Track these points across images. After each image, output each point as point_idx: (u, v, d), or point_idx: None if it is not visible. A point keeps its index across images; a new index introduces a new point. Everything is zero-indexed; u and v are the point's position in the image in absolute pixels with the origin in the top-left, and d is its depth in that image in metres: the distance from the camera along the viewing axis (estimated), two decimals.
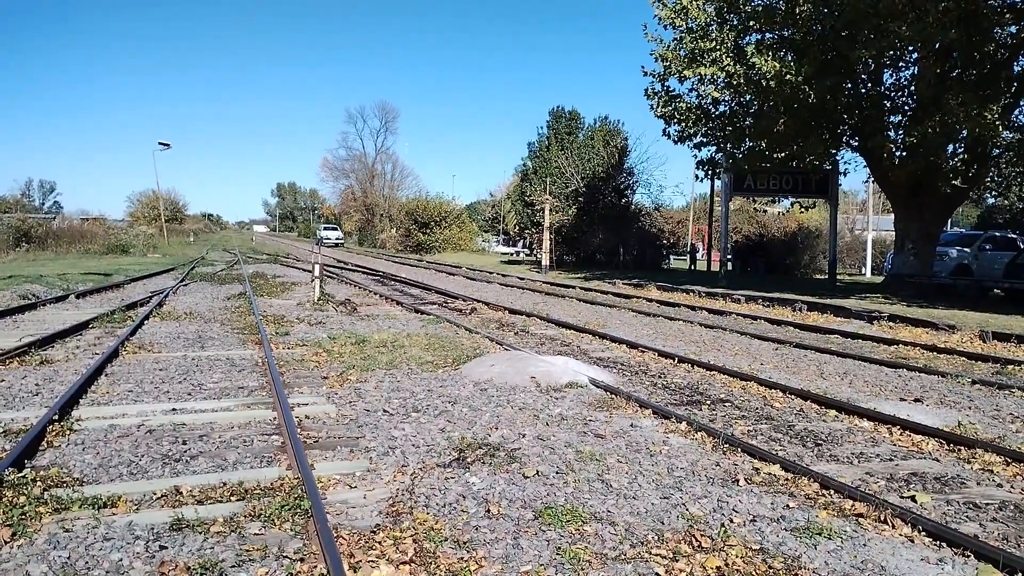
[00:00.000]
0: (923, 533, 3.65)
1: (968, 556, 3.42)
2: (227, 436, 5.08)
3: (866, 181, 31.62)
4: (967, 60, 17.10)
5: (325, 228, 76.21)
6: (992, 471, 4.79)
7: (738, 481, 4.40)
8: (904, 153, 18.54)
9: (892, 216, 22.60)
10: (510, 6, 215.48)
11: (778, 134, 18.78)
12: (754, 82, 17.62)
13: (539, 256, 31.25)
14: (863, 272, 35.27)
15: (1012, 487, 4.51)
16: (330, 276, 21.07)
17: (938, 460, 5.04)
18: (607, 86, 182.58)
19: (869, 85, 19.60)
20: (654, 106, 21.25)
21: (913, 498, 4.23)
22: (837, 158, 22.87)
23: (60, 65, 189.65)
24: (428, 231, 50.58)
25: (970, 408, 6.70)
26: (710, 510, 3.95)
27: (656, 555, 3.35)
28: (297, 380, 7.00)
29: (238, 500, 3.83)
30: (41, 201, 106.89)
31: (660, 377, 7.78)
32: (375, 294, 16.80)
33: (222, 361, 7.92)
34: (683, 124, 21.29)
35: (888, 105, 19.49)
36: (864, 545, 3.54)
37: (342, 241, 69.93)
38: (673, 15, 19.46)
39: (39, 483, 3.94)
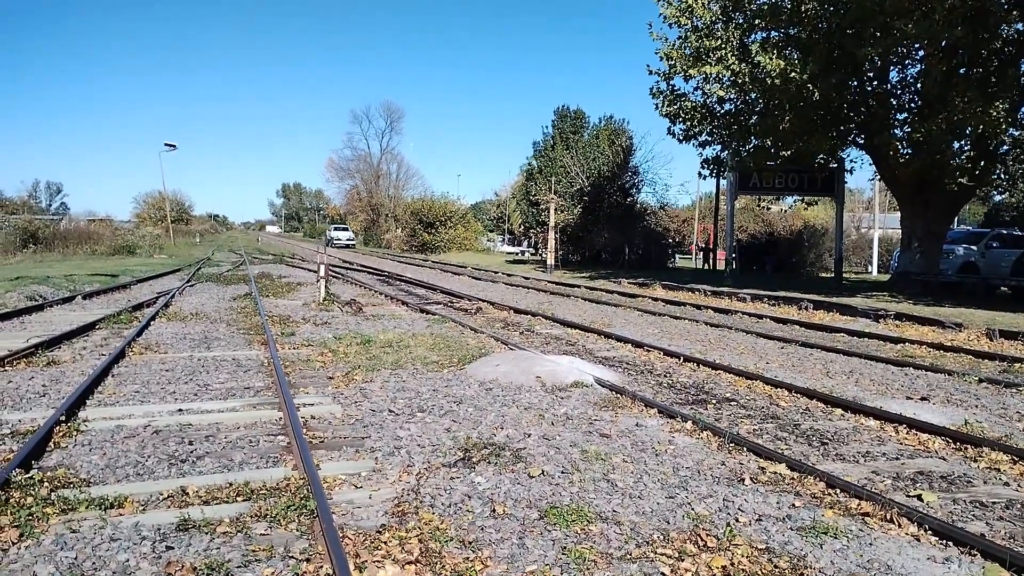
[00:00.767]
0: (929, 532, 3.64)
1: (975, 555, 3.41)
2: (233, 436, 5.09)
3: (872, 179, 31.45)
4: (973, 57, 17.02)
5: (335, 228, 69.89)
6: (999, 470, 4.77)
7: (744, 480, 4.39)
8: (910, 150, 18.46)
9: (898, 214, 22.51)
10: (515, 5, 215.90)
11: (783, 132, 18.72)
12: (759, 80, 17.56)
13: (544, 255, 31.27)
14: (869, 270, 35.17)
15: (1019, 486, 4.49)
16: (335, 276, 21.10)
17: (944, 459, 5.02)
18: (612, 85, 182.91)
19: (875, 83, 19.53)
20: (659, 105, 21.21)
21: (919, 497, 4.22)
22: (843, 156, 22.81)
23: (66, 67, 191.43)
24: (433, 231, 50.56)
25: (977, 406, 6.67)
26: (716, 509, 3.94)
27: (662, 555, 3.35)
28: (303, 380, 7.02)
29: (244, 500, 3.85)
30: (48, 202, 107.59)
31: (666, 376, 7.77)
32: (380, 294, 16.82)
33: (228, 361, 7.94)
34: (688, 123, 21.26)
35: (894, 103, 19.44)
36: (870, 544, 3.53)
37: (353, 242, 63.47)
38: (678, 14, 19.42)
39: (46, 484, 3.96)
